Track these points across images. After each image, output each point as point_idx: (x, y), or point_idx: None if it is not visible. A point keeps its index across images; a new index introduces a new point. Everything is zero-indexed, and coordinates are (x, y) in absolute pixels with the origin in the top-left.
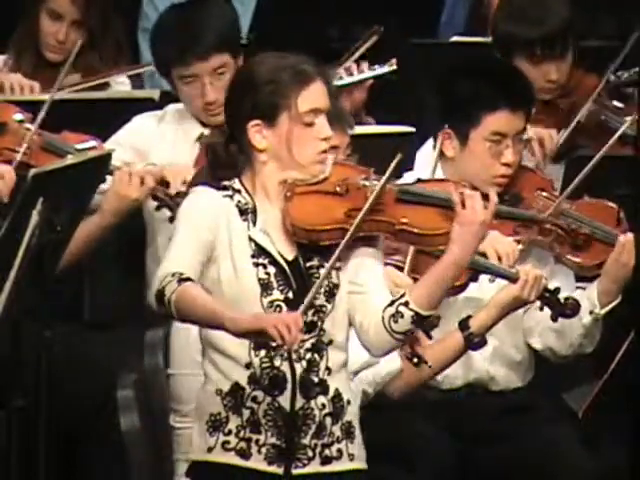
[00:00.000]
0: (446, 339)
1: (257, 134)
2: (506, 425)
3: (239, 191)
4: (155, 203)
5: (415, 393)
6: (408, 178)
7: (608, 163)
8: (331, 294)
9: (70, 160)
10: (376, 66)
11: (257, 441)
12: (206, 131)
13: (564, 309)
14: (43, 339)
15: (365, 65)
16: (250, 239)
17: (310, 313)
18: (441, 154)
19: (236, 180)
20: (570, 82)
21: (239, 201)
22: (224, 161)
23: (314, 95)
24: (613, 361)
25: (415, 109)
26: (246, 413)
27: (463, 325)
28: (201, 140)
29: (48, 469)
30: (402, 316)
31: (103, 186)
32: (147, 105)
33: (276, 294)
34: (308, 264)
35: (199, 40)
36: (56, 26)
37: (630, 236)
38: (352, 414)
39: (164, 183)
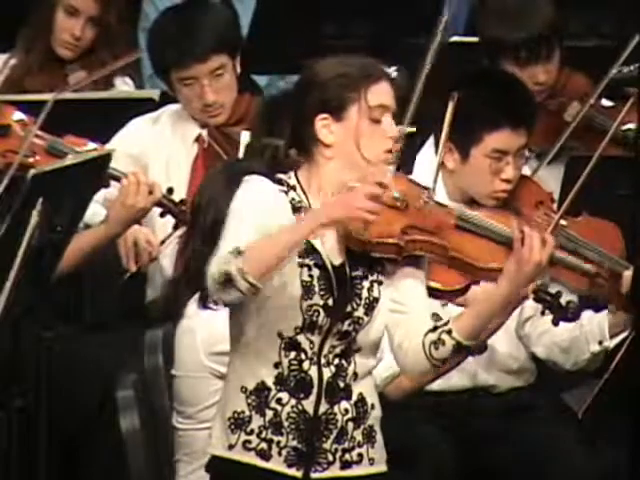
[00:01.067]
0: None
1: (324, 128)
2: (506, 425)
3: (294, 187)
4: (159, 210)
5: (415, 394)
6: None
7: (608, 163)
8: (370, 307)
9: (70, 160)
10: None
11: (278, 443)
12: (204, 132)
13: (566, 313)
14: (43, 339)
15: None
16: None
17: (347, 323)
18: (442, 164)
19: (292, 175)
20: (558, 83)
21: (293, 198)
22: (283, 163)
23: (383, 91)
24: (613, 361)
25: (415, 110)
26: (269, 414)
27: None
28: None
29: (48, 469)
30: (443, 344)
31: (108, 193)
32: (147, 105)
33: (316, 299)
34: (353, 273)
35: (197, 42)
36: (72, 22)
37: (631, 271)
38: (374, 418)
39: (169, 190)
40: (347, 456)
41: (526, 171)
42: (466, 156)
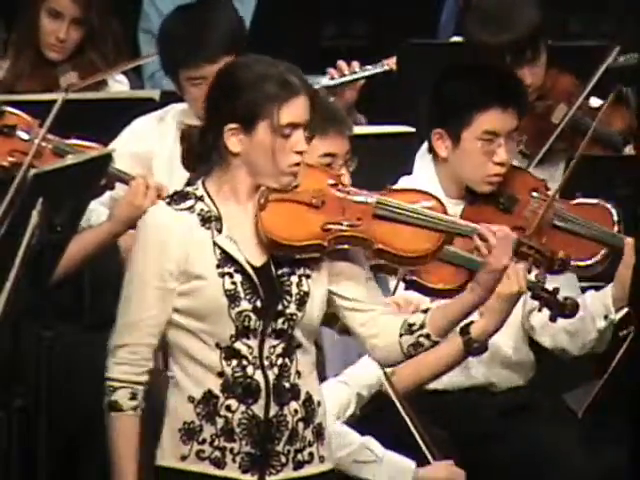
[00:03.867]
0: (445, 344)
1: (233, 137)
2: (506, 425)
3: (201, 198)
4: None
5: (415, 394)
6: (408, 182)
7: (608, 163)
8: (302, 302)
9: (70, 160)
10: (369, 66)
11: (232, 450)
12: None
13: (563, 309)
14: (43, 339)
15: (356, 64)
16: (215, 246)
17: (280, 321)
18: (434, 155)
19: (199, 185)
20: (545, 84)
21: (202, 209)
22: (198, 150)
23: (297, 109)
24: (613, 361)
25: (415, 110)
26: (220, 422)
27: (464, 331)
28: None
29: (48, 469)
30: (422, 345)
31: (114, 194)
32: (147, 105)
33: (244, 304)
34: (279, 271)
35: (208, 43)
36: (56, 24)
37: (631, 239)
38: (322, 415)
39: None
40: (299, 456)
41: None
42: (457, 140)
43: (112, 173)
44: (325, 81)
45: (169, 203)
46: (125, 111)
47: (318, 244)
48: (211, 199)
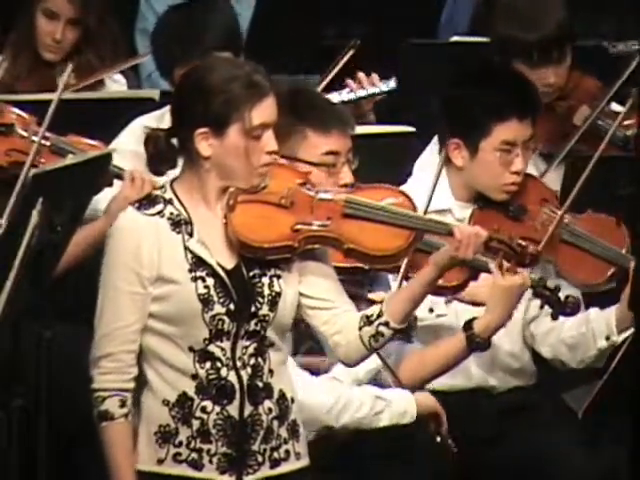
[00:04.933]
0: (448, 340)
1: (203, 141)
2: (506, 426)
3: (170, 201)
4: None
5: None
6: (409, 183)
7: (608, 163)
8: (274, 302)
9: (70, 160)
10: (385, 80)
11: (208, 451)
12: None
13: (564, 307)
14: (43, 339)
15: (376, 77)
16: (186, 250)
17: (253, 323)
18: (448, 163)
19: (168, 188)
20: (568, 85)
21: (171, 213)
22: (164, 154)
23: (266, 110)
24: (613, 361)
25: (415, 110)
26: (196, 424)
27: (467, 326)
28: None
29: (48, 469)
30: (382, 335)
31: (111, 192)
32: (147, 105)
33: (217, 308)
34: (250, 273)
35: (203, 41)
36: (52, 25)
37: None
38: (296, 412)
39: None
40: (275, 454)
41: (532, 172)
42: (475, 151)
43: (110, 170)
44: (345, 94)
45: (138, 208)
46: (125, 111)
47: (288, 245)
48: (180, 202)
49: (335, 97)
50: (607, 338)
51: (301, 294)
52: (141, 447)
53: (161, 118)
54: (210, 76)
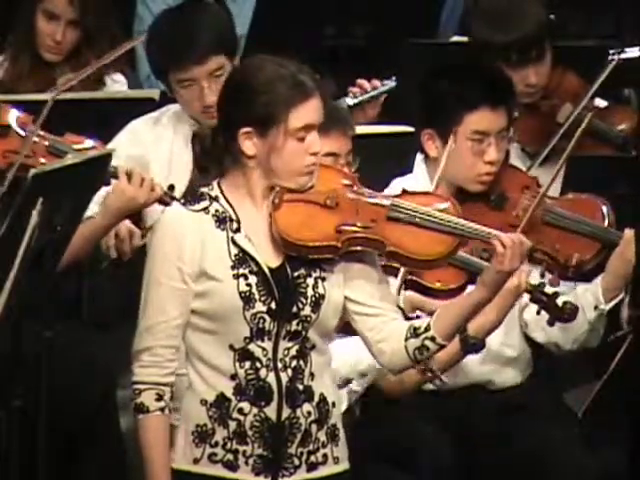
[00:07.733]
0: None
1: (247, 141)
2: (506, 425)
3: (216, 198)
4: (161, 207)
5: (415, 393)
6: (409, 182)
7: (608, 163)
8: (317, 304)
9: (70, 160)
10: (387, 81)
11: (244, 452)
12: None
13: (562, 314)
14: (43, 339)
15: (377, 81)
16: (230, 246)
17: (294, 323)
18: (425, 155)
19: (214, 185)
20: (550, 83)
21: (216, 210)
22: (211, 152)
23: (310, 111)
24: (613, 361)
25: (415, 110)
26: (232, 425)
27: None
28: (193, 130)
29: (48, 469)
30: (428, 349)
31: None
32: (147, 105)
33: (259, 306)
34: (295, 273)
35: (195, 44)
36: (52, 26)
37: (631, 232)
38: (336, 416)
39: (170, 187)
40: (312, 458)
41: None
42: (447, 141)
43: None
44: (349, 100)
45: (184, 204)
46: (125, 111)
47: (332, 245)
48: (226, 200)
49: (342, 103)
50: (595, 308)
51: (347, 298)
52: (178, 446)
53: (158, 120)
54: (255, 76)
